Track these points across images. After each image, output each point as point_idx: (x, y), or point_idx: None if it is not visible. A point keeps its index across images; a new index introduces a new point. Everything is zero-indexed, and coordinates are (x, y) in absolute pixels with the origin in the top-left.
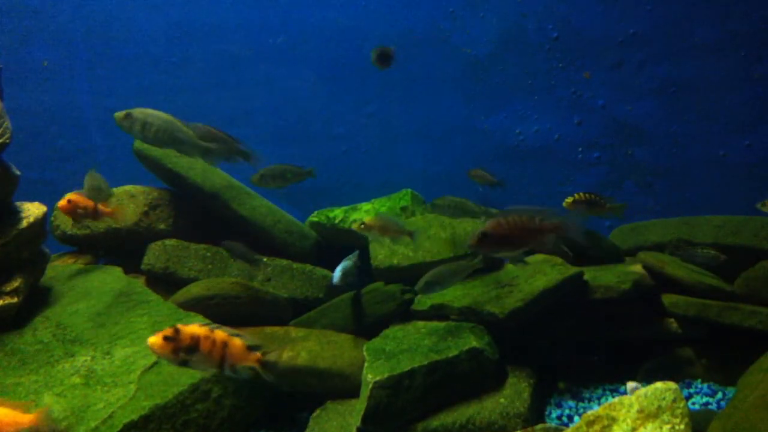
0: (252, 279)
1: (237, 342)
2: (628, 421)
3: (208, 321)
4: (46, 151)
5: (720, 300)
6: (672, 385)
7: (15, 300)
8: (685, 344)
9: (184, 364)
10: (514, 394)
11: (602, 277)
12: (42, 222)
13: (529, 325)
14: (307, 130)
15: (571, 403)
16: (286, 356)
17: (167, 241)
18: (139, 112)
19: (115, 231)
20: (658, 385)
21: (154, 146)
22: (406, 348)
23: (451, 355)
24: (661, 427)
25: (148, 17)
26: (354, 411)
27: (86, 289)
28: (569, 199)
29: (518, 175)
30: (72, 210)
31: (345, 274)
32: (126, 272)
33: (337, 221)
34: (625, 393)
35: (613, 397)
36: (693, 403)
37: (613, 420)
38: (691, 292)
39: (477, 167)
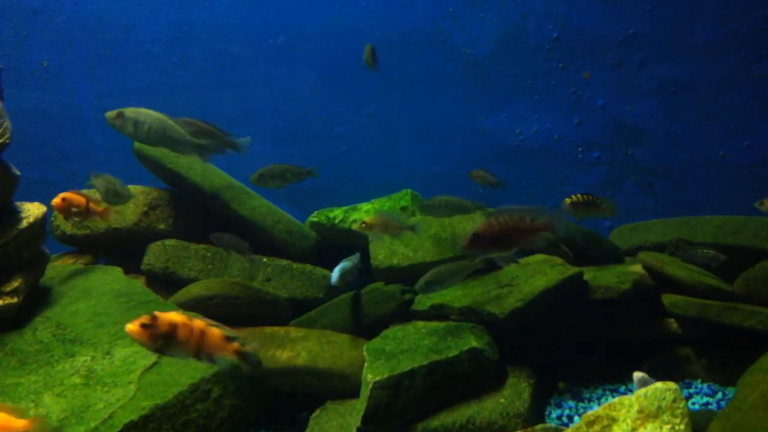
0: (252, 279)
1: (215, 331)
2: (628, 421)
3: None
4: (46, 151)
5: (720, 300)
6: (672, 385)
7: (15, 300)
8: (685, 344)
9: (161, 351)
10: (514, 394)
11: (602, 277)
12: (42, 222)
13: (529, 325)
14: (307, 130)
15: (571, 403)
16: (286, 356)
17: (167, 241)
18: (131, 111)
19: (115, 231)
20: (658, 385)
21: (146, 145)
22: (406, 348)
23: (451, 355)
24: (661, 427)
25: (148, 17)
26: (354, 411)
27: (86, 289)
28: (567, 201)
29: (518, 175)
30: (66, 208)
31: (343, 274)
32: (126, 272)
33: (337, 221)
34: (625, 393)
35: (613, 397)
36: (693, 403)
37: (613, 420)
38: (691, 292)
39: (478, 168)
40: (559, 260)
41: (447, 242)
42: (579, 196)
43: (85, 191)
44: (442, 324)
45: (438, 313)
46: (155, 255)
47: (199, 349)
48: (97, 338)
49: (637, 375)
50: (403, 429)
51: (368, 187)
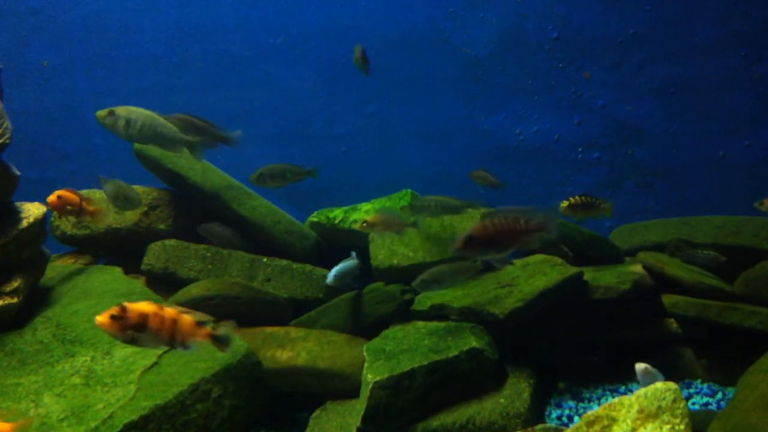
0: (252, 279)
1: (186, 318)
2: (628, 421)
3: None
4: (46, 151)
5: (720, 300)
6: (672, 385)
7: (15, 300)
8: (685, 344)
9: (132, 341)
10: (514, 394)
11: (602, 277)
12: (42, 222)
13: (529, 325)
14: (307, 130)
15: (571, 403)
16: (286, 356)
17: (167, 242)
18: (122, 109)
19: (115, 231)
20: (658, 385)
21: (137, 143)
22: (406, 348)
23: (451, 355)
24: (661, 428)
25: (148, 17)
26: (354, 411)
27: (86, 290)
28: (565, 203)
29: (518, 175)
30: (61, 206)
31: (339, 275)
32: (126, 272)
33: (337, 221)
34: (625, 393)
35: (613, 397)
36: (693, 404)
37: (613, 420)
38: (691, 292)
39: (479, 168)
40: (559, 260)
41: (447, 242)
42: (576, 198)
43: (85, 191)
44: (442, 324)
45: (438, 313)
46: (155, 255)
47: (172, 337)
48: (97, 338)
49: (640, 366)
50: (403, 429)
51: (368, 187)
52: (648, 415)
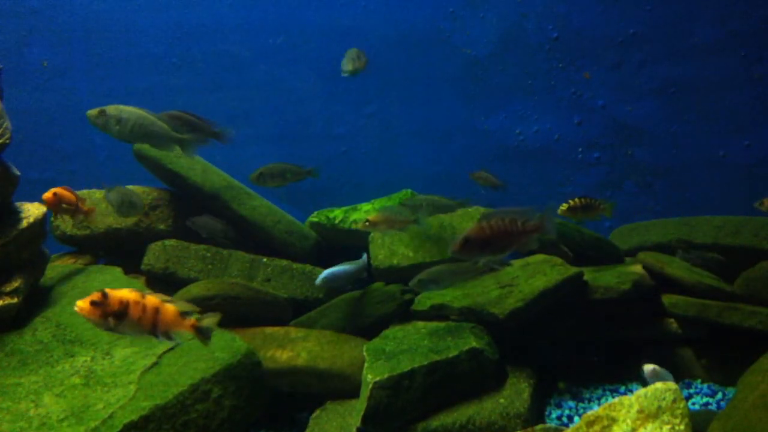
0: (252, 279)
1: (169, 308)
2: (628, 421)
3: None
4: (46, 151)
5: (720, 300)
6: (672, 385)
7: (15, 300)
8: (685, 344)
9: (113, 329)
10: (514, 394)
11: (602, 277)
12: (42, 222)
13: (529, 325)
14: (307, 130)
15: (571, 403)
16: (286, 356)
17: (167, 242)
18: (112, 108)
19: (115, 231)
20: (658, 385)
21: (129, 142)
22: (406, 348)
23: (451, 355)
24: (661, 428)
25: (148, 18)
26: (354, 411)
27: (86, 290)
28: (564, 206)
29: (518, 176)
30: (56, 203)
31: (328, 279)
32: (126, 272)
33: (337, 221)
34: (625, 393)
35: (613, 397)
36: (693, 404)
37: (613, 420)
38: (691, 292)
39: (480, 169)
40: (559, 260)
41: (448, 242)
42: (576, 200)
43: (85, 191)
44: (442, 324)
45: (438, 313)
46: (155, 255)
47: (154, 326)
48: (97, 338)
49: (648, 367)
50: (403, 429)
51: (368, 187)
52: (648, 415)
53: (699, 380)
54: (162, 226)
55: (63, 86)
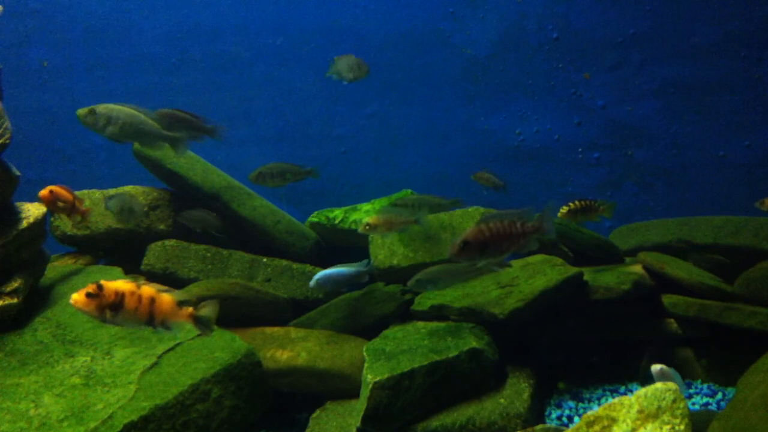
0: (252, 279)
1: (166, 297)
2: (628, 421)
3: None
4: (46, 151)
5: (720, 300)
6: (672, 385)
7: (15, 300)
8: (685, 344)
9: (109, 321)
10: (514, 394)
11: (602, 277)
12: (42, 222)
13: (529, 325)
14: (307, 131)
15: (571, 403)
16: (286, 357)
17: (167, 242)
18: (102, 107)
19: (115, 231)
20: (658, 385)
21: (119, 141)
22: (406, 348)
23: (451, 355)
24: (661, 428)
25: (147, 18)
26: (354, 412)
27: None
28: (564, 209)
29: (518, 176)
30: (53, 201)
31: (321, 281)
32: (126, 273)
33: (337, 222)
34: (624, 393)
35: (613, 397)
36: (693, 404)
37: (613, 420)
38: (691, 292)
39: (482, 169)
40: (559, 260)
41: (447, 243)
42: (576, 203)
43: (85, 191)
44: (442, 324)
45: (438, 313)
46: (155, 255)
47: (151, 316)
48: (97, 338)
49: (656, 368)
50: (403, 429)
51: (368, 187)
52: (648, 415)
53: (699, 380)
54: (162, 226)
55: (63, 86)
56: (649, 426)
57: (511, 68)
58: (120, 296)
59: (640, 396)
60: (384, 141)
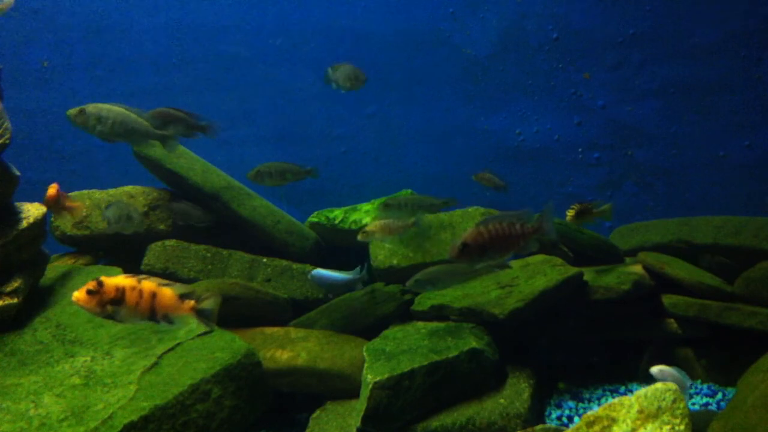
0: (252, 279)
1: (167, 291)
2: (628, 421)
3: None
4: (46, 151)
5: (720, 300)
6: (672, 385)
7: (15, 300)
8: (685, 344)
9: (111, 317)
10: (514, 394)
11: (602, 277)
12: (42, 222)
13: (529, 325)
14: (307, 131)
15: (571, 403)
16: (286, 357)
17: (167, 242)
18: (92, 107)
19: (115, 231)
20: (658, 385)
21: (110, 141)
22: (406, 348)
23: (451, 355)
24: (661, 428)
25: (147, 18)
26: (354, 412)
27: None
28: (570, 212)
29: (518, 176)
30: (56, 200)
31: (315, 279)
32: (126, 273)
33: (336, 222)
34: (624, 393)
35: (613, 397)
36: (693, 404)
37: (613, 421)
38: (691, 292)
39: (483, 170)
40: (559, 260)
41: (447, 243)
42: (578, 205)
43: (85, 191)
44: (442, 324)
45: (438, 313)
46: (155, 255)
47: (153, 311)
48: (97, 339)
49: (654, 369)
50: (403, 429)
51: (368, 187)
52: (648, 415)
53: (699, 380)
54: (162, 227)
55: (63, 86)
56: (649, 426)
57: (511, 68)
58: (121, 292)
59: (640, 396)
60: (384, 141)
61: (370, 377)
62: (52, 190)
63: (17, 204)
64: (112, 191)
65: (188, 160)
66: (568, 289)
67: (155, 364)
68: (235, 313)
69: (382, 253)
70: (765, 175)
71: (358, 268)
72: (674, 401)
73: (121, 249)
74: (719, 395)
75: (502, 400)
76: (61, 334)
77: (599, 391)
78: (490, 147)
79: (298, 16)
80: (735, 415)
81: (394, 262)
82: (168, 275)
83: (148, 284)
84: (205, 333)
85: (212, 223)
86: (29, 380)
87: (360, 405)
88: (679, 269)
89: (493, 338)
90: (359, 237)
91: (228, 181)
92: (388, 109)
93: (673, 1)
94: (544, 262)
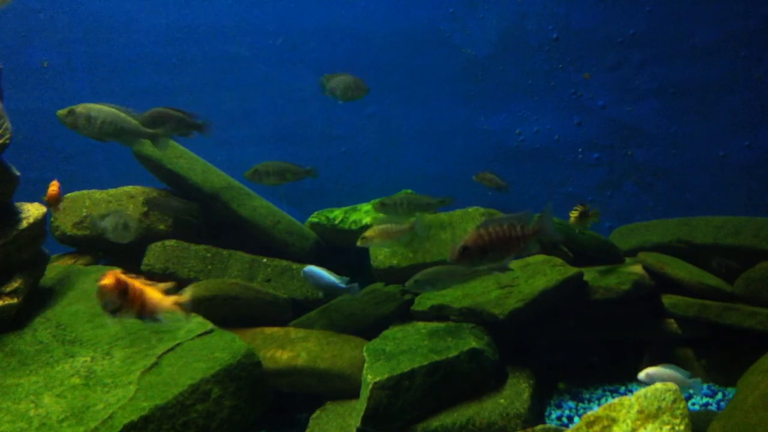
0: (252, 279)
1: (153, 290)
2: (628, 421)
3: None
4: (46, 151)
5: (720, 301)
6: (672, 385)
7: (15, 300)
8: (685, 344)
9: (115, 311)
10: (514, 394)
11: (602, 277)
12: (42, 223)
13: (529, 325)
14: (307, 131)
15: (571, 403)
16: (286, 357)
17: (167, 242)
18: (81, 107)
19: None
20: (658, 385)
21: (100, 140)
22: (406, 349)
23: (451, 355)
24: (661, 428)
25: (147, 18)
26: (354, 412)
27: (86, 290)
28: (574, 213)
29: (518, 176)
30: (58, 198)
31: (307, 275)
32: (126, 273)
33: (336, 222)
34: (624, 393)
35: (613, 397)
36: (693, 404)
37: (613, 421)
38: (691, 292)
39: (485, 170)
40: (559, 261)
41: (447, 243)
42: (581, 206)
43: (85, 192)
44: (442, 324)
45: (438, 313)
46: (155, 255)
47: (142, 309)
48: (97, 339)
49: (641, 375)
50: (402, 430)
51: (368, 187)
52: (648, 415)
53: (699, 380)
54: (162, 227)
55: (63, 86)
56: (649, 426)
57: (511, 68)
58: (127, 288)
59: (640, 396)
60: (384, 141)
61: (370, 377)
62: (54, 188)
63: (17, 204)
64: (112, 191)
65: (188, 160)
66: (568, 289)
67: (155, 364)
68: (235, 313)
69: (383, 254)
70: (765, 175)
71: (347, 279)
72: (674, 401)
73: (121, 249)
74: (719, 395)
75: (502, 400)
76: (61, 334)
77: (599, 391)
78: (490, 147)
79: (298, 16)
80: (735, 415)
81: (394, 262)
82: (168, 275)
83: (138, 283)
84: (205, 333)
85: (197, 213)
86: (29, 380)
87: (360, 405)
88: (679, 269)
89: (493, 338)
90: (359, 243)
91: (228, 181)
92: (388, 109)
93: (673, 1)
94: (544, 262)
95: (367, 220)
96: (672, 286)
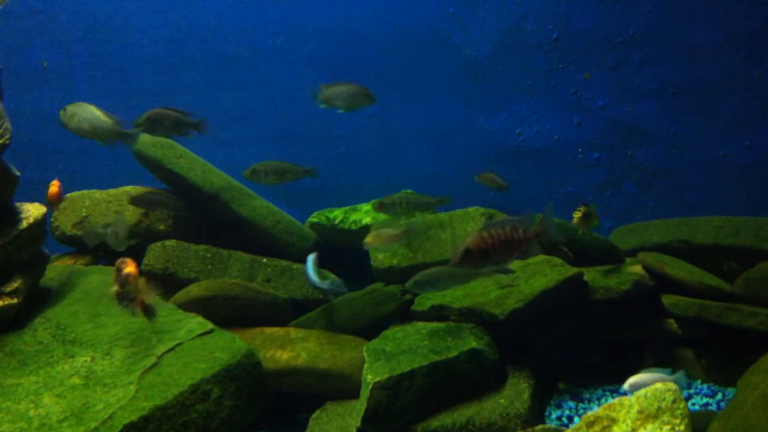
0: (252, 280)
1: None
2: (628, 422)
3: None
4: (46, 151)
5: (720, 301)
6: (672, 385)
7: (15, 301)
8: (685, 344)
9: (125, 296)
10: (513, 394)
11: (602, 277)
12: (42, 223)
13: (529, 325)
14: (307, 131)
15: (571, 403)
16: (286, 357)
17: (167, 242)
18: (71, 106)
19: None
20: (658, 385)
21: (82, 137)
22: (405, 349)
23: (451, 356)
24: (661, 428)
25: (147, 18)
26: (354, 412)
27: (86, 290)
28: (577, 214)
29: (518, 176)
30: (59, 197)
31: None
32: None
33: (336, 222)
34: (624, 394)
35: (613, 397)
36: (693, 404)
37: (613, 421)
38: (691, 292)
39: (486, 170)
40: (559, 261)
41: (447, 243)
42: (584, 207)
43: (85, 191)
44: (442, 324)
45: (438, 313)
46: (155, 256)
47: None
48: (97, 339)
49: (626, 386)
50: (402, 430)
51: (368, 187)
52: (648, 415)
53: (699, 380)
54: (162, 227)
55: (63, 87)
56: (649, 426)
57: (511, 68)
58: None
59: (640, 396)
60: (384, 141)
61: (370, 377)
62: (54, 187)
63: (17, 204)
64: (112, 191)
65: (188, 160)
66: (568, 289)
67: (155, 364)
68: (235, 313)
69: (382, 254)
70: (765, 175)
71: (338, 281)
72: (674, 401)
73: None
74: (719, 395)
75: (502, 401)
76: (61, 335)
77: (599, 391)
78: (490, 147)
79: (298, 16)
80: (735, 415)
81: (394, 262)
82: (168, 275)
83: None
84: (205, 333)
85: (181, 205)
86: (29, 380)
87: (360, 405)
88: (679, 269)
89: (493, 338)
90: (365, 246)
91: (228, 181)
92: (388, 109)
93: (673, 1)
94: (544, 262)
95: (367, 220)
96: (672, 286)
